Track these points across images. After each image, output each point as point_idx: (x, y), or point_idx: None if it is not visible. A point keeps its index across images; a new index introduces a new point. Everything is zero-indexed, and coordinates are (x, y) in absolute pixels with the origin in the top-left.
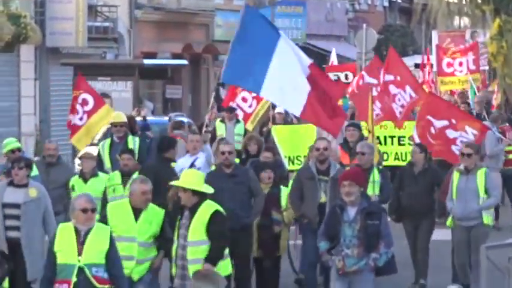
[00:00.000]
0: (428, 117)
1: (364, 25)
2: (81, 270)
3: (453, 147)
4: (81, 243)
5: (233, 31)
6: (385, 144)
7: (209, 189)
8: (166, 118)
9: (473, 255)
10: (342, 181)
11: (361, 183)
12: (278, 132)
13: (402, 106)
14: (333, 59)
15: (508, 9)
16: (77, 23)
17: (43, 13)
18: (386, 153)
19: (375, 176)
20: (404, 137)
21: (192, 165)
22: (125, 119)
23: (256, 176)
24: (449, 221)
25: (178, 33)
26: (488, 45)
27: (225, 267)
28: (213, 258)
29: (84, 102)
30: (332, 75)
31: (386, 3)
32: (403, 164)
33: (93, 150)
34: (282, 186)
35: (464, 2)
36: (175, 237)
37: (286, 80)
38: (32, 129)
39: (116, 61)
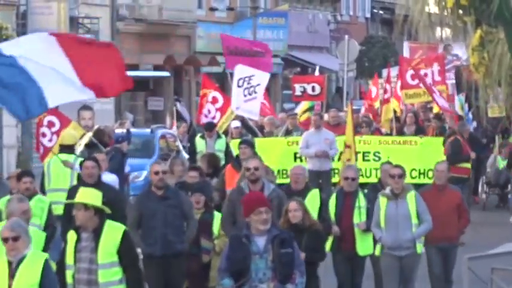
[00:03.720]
0: None
1: (346, 36)
2: None
3: None
4: (11, 276)
5: (215, 43)
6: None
7: (107, 209)
8: (148, 130)
9: (405, 285)
10: (257, 207)
11: (271, 210)
12: (236, 147)
13: None
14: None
15: (489, 20)
16: None
17: (25, 25)
18: None
19: (360, 201)
20: (369, 152)
21: None
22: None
23: None
24: (377, 251)
25: (160, 44)
26: (470, 56)
27: None
28: None
29: (51, 124)
30: (298, 87)
31: (368, 15)
32: (367, 180)
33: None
34: (215, 212)
35: (445, 13)
36: (69, 262)
37: (53, 77)
38: (14, 141)
39: None
